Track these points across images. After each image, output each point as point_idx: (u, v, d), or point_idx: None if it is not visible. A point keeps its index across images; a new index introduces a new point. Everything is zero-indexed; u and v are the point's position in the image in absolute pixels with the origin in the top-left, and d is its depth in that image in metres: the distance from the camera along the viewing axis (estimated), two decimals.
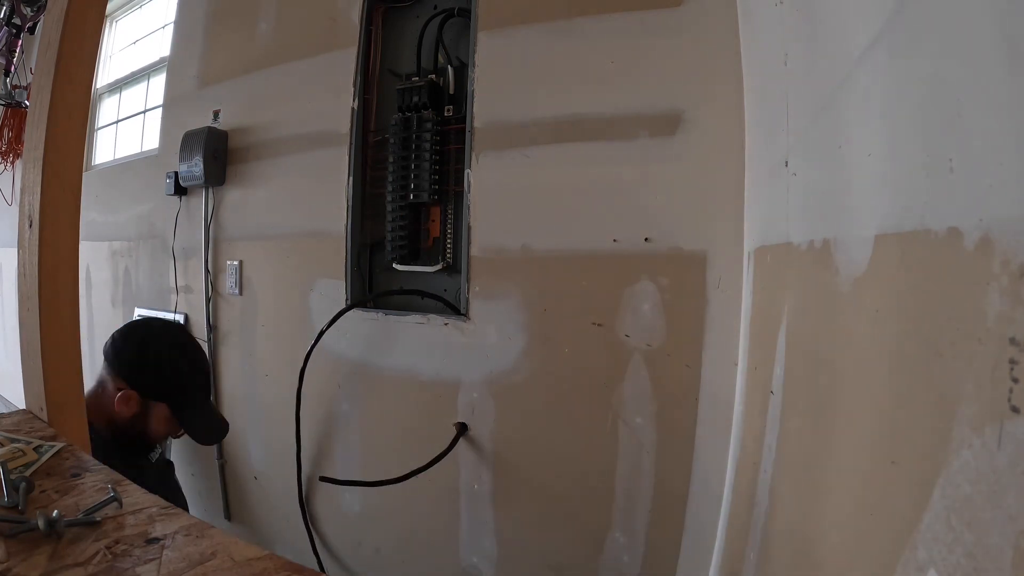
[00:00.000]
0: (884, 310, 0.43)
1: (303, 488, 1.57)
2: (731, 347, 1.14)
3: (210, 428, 1.13)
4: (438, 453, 1.38)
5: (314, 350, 1.55)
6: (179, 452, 2.14)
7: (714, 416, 1.16)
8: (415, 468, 1.34)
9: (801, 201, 0.70)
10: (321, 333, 1.50)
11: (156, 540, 0.49)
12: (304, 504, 1.57)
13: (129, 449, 1.08)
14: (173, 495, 1.21)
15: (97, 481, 0.59)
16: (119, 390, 1.00)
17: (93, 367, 2.63)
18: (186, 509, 1.19)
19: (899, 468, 0.38)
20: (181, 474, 2.17)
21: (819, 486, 0.56)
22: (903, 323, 0.40)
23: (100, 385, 1.02)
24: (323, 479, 1.24)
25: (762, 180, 0.95)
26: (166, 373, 1.03)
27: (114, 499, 0.54)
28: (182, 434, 1.13)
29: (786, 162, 0.75)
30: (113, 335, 1.04)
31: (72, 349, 0.80)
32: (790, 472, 0.67)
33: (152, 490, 1.03)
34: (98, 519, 0.51)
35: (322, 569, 1.64)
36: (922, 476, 0.33)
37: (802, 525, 0.60)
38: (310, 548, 1.64)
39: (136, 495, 0.57)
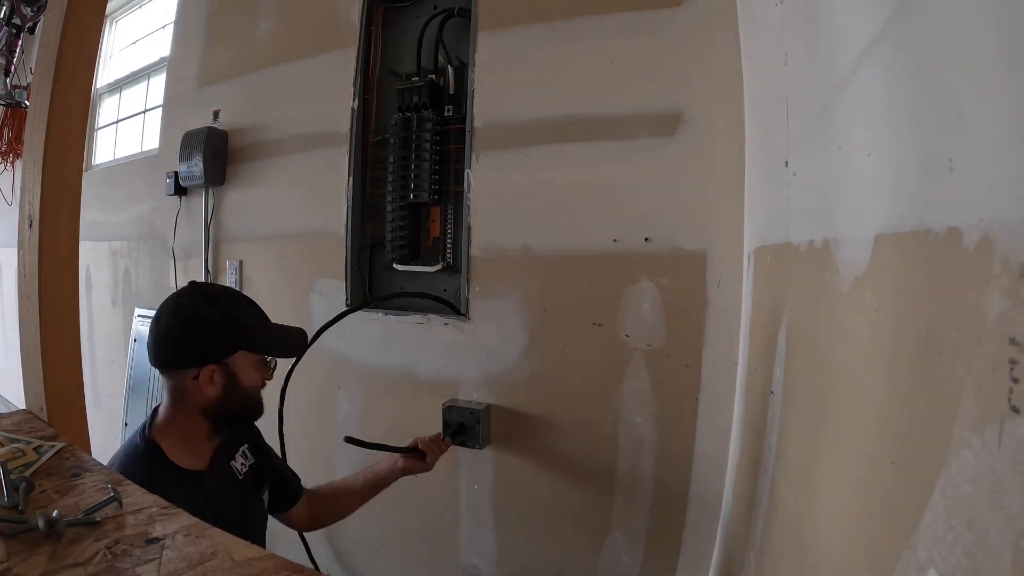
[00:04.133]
0: (884, 310, 0.43)
1: None
2: (731, 347, 1.14)
3: (290, 339, 1.01)
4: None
5: (314, 348, 1.55)
6: None
7: (714, 416, 1.16)
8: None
9: (801, 201, 0.70)
10: (290, 372, 1.48)
11: (156, 540, 0.49)
12: None
13: (240, 427, 0.99)
14: (255, 520, 1.03)
15: (97, 481, 0.59)
16: (195, 377, 0.87)
17: (93, 367, 2.63)
18: (263, 535, 1.05)
19: (899, 468, 0.38)
20: None
21: (819, 486, 0.56)
22: (903, 323, 0.40)
23: (176, 396, 0.89)
24: (348, 439, 1.20)
25: (762, 180, 0.95)
26: (217, 324, 0.89)
27: (114, 499, 0.54)
28: (272, 372, 1.01)
29: (786, 162, 0.75)
30: (147, 343, 0.90)
31: (72, 349, 0.80)
32: (790, 472, 0.67)
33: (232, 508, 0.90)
34: (98, 519, 0.51)
35: (318, 569, 1.64)
36: (922, 476, 0.33)
37: (802, 525, 0.60)
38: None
39: (136, 495, 0.57)
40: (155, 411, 0.95)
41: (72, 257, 0.80)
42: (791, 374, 0.71)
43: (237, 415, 0.95)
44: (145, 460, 0.87)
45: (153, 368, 0.93)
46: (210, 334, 0.90)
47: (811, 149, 0.65)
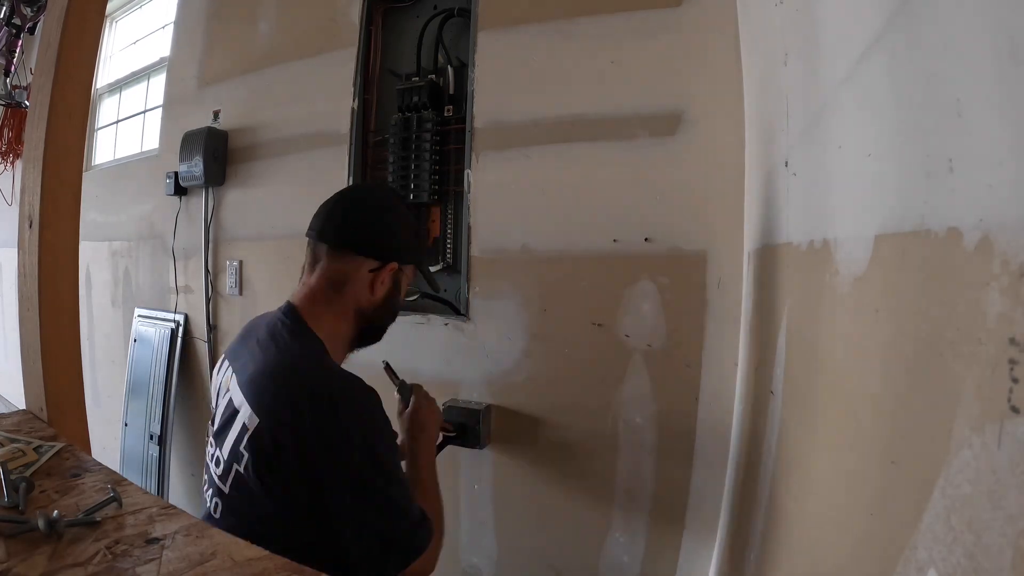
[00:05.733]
0: (884, 310, 0.43)
1: None
2: (731, 347, 1.14)
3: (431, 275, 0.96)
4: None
5: None
6: (179, 452, 2.14)
7: (714, 416, 1.16)
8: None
9: (801, 201, 0.70)
10: None
11: (156, 540, 0.49)
12: None
13: (361, 346, 0.88)
14: None
15: (97, 481, 0.59)
16: (372, 270, 0.80)
17: (93, 367, 2.63)
18: None
19: (899, 468, 0.38)
20: (182, 474, 2.17)
21: (819, 486, 0.56)
22: (903, 323, 0.40)
23: (336, 283, 0.80)
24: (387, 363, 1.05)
25: (762, 180, 0.95)
26: (413, 230, 0.85)
27: (114, 499, 0.54)
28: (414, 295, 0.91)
29: (786, 162, 0.75)
30: (327, 213, 0.82)
31: (72, 349, 0.80)
32: (790, 472, 0.67)
33: None
34: (98, 519, 0.51)
35: None
36: (922, 476, 0.33)
37: (802, 525, 0.60)
38: None
39: (136, 495, 0.57)
40: (291, 307, 0.83)
41: (72, 257, 0.80)
42: (791, 374, 0.71)
43: (375, 329, 0.87)
44: (328, 358, 0.78)
45: (318, 241, 0.83)
46: (407, 237, 0.85)
47: (811, 149, 0.65)
